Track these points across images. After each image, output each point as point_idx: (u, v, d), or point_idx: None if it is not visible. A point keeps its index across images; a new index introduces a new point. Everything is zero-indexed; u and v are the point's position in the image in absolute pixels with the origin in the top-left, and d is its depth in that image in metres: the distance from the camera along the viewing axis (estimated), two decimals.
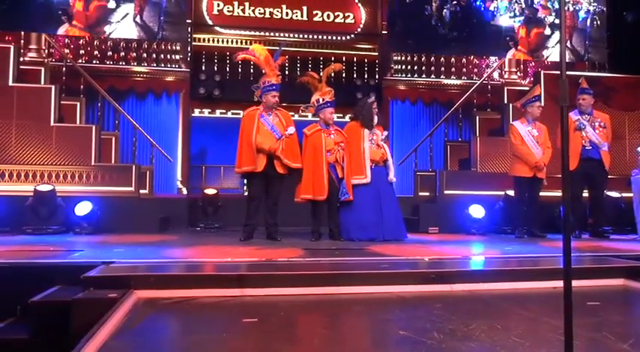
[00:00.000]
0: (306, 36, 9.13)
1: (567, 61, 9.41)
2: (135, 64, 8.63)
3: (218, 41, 8.99)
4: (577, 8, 9.77)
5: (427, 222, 6.73)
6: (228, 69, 8.51)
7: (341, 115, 8.17)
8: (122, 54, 8.58)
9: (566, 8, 9.60)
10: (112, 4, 8.23)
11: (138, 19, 8.04)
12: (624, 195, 6.74)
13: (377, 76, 9.07)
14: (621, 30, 9.50)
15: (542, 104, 6.55)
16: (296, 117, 8.60)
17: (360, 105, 5.78)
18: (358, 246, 4.81)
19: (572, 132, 5.88)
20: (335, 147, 5.45)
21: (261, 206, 5.32)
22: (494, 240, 5.78)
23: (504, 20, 9.00)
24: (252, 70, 8.39)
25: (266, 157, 5.15)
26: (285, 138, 5.20)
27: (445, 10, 9.01)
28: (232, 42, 8.96)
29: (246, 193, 5.32)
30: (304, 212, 5.65)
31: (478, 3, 9.02)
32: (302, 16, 9.14)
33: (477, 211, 6.59)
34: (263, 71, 5.35)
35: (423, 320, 2.34)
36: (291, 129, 5.27)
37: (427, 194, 7.48)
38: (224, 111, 8.68)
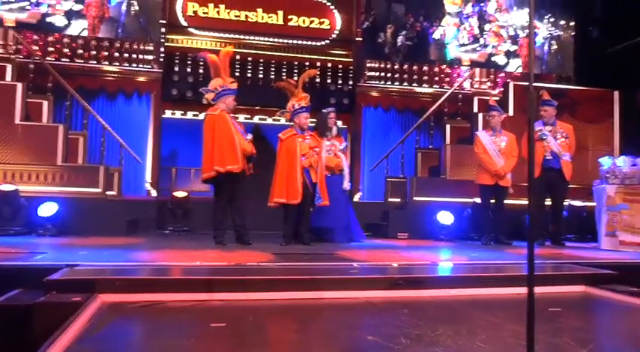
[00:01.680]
0: (281, 40, 9.13)
1: (535, 73, 9.70)
2: (106, 63, 8.47)
3: (192, 43, 8.92)
4: (534, 33, 10.11)
5: (397, 227, 6.79)
6: (201, 71, 8.43)
7: (314, 120, 8.20)
8: (93, 52, 8.42)
9: (524, 35, 9.93)
10: (61, 21, 8.23)
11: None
12: (587, 204, 6.95)
13: (351, 82, 9.13)
14: (585, 46, 9.83)
15: (506, 114, 6.69)
16: (269, 120, 8.63)
17: (319, 116, 5.95)
18: (328, 251, 4.83)
19: (534, 143, 6.03)
20: (310, 152, 5.49)
21: (228, 208, 5.26)
22: (461, 246, 5.87)
23: (453, 50, 9.31)
24: None
25: (242, 158, 5.12)
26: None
27: (400, 38, 9.22)
28: (206, 44, 8.90)
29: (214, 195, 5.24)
30: (275, 216, 5.65)
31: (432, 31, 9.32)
32: (277, 20, 9.13)
33: (445, 218, 6.69)
34: (215, 75, 5.26)
35: (391, 326, 2.36)
36: (249, 135, 5.28)
37: (397, 200, 7.55)
38: (197, 113, 8.60)
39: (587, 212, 6.93)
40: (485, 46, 9.84)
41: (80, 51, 8.41)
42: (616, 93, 8.54)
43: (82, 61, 8.40)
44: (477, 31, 9.90)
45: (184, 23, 8.95)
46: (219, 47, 8.38)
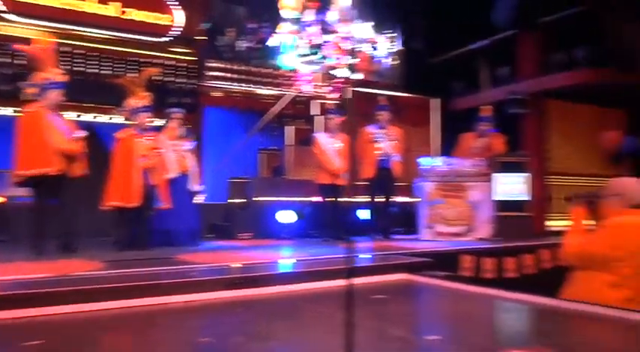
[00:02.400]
0: (117, 34, 8.56)
1: (371, 80, 10.44)
2: None
3: (13, 31, 7.94)
4: (375, 48, 10.95)
5: (239, 228, 6.81)
6: (23, 62, 7.54)
7: (154, 119, 7.84)
8: None
9: (362, 50, 10.71)
10: None
11: None
12: (410, 199, 7.71)
13: (193, 82, 8.91)
14: (410, 57, 10.87)
15: (342, 117, 7.11)
16: (104, 118, 8.04)
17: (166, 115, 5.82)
18: (167, 254, 4.69)
19: (369, 144, 6.55)
20: (150, 153, 5.27)
21: (50, 213, 4.81)
22: (301, 243, 6.10)
23: (292, 60, 9.66)
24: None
25: (60, 158, 4.70)
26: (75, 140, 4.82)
27: (241, 43, 9.36)
28: (30, 33, 8.00)
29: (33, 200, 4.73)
30: (108, 220, 5.32)
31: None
32: (113, 12, 8.56)
33: (287, 217, 6.89)
34: (39, 68, 4.81)
35: (227, 325, 2.40)
36: (80, 133, 4.90)
37: (240, 200, 7.58)
38: (18, 109, 7.67)
39: (411, 207, 7.70)
40: (324, 57, 10.26)
41: None
42: (435, 101, 9.60)
43: None
44: (318, 42, 10.26)
45: (3, 8, 7.95)
46: (45, 37, 7.60)
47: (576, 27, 8.30)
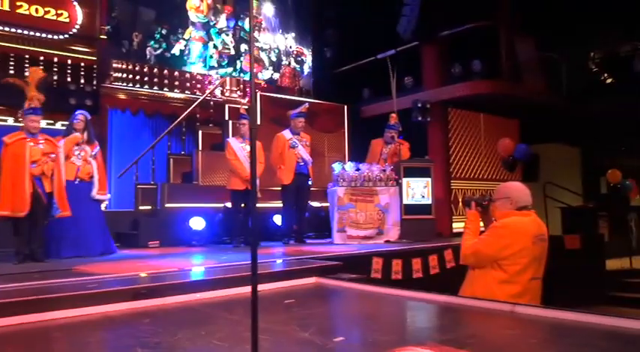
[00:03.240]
0: (7, 29, 7.94)
1: (283, 86, 10.50)
2: None
3: None
4: (302, 60, 11.09)
5: (147, 236, 6.56)
6: None
7: (52, 122, 7.37)
8: None
9: (285, 63, 10.80)
10: None
11: None
12: (323, 204, 7.83)
13: (94, 83, 8.46)
14: (322, 64, 11.09)
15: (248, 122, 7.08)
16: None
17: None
18: (66, 266, 4.40)
19: (287, 150, 6.57)
20: (42, 158, 4.90)
21: None
22: (213, 250, 5.99)
23: (197, 68, 9.55)
24: None
25: None
26: None
27: (148, 49, 9.10)
28: None
29: None
30: (6, 231, 4.91)
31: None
32: (3, 6, 7.93)
33: (197, 223, 6.74)
34: None
35: (128, 338, 2.29)
36: None
37: (149, 207, 7.31)
38: None
39: (324, 211, 7.81)
40: (242, 71, 10.16)
41: None
42: (345, 107, 9.83)
43: None
44: (232, 52, 10.12)
45: None
46: None
47: (474, 40, 8.88)
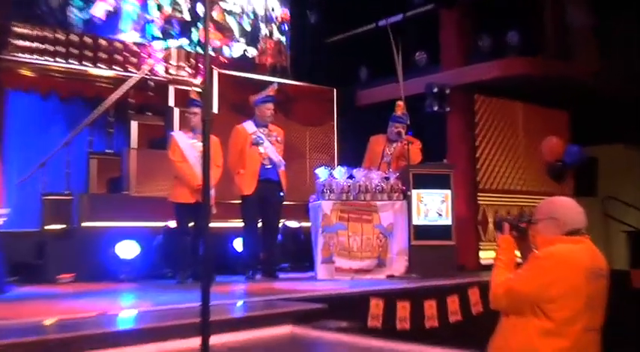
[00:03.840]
0: None
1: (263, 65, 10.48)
2: None
3: None
4: (284, 29, 11.05)
5: (57, 267, 6.51)
6: None
7: None
8: None
9: (266, 34, 10.73)
10: None
11: None
12: (303, 224, 7.78)
13: None
14: (304, 33, 11.06)
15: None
16: None
17: None
18: None
19: (248, 148, 6.53)
20: None
21: None
22: (148, 287, 5.97)
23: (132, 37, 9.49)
24: None
25: None
26: None
27: (71, 11, 9.02)
28: None
29: None
30: None
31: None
32: None
33: (128, 249, 6.68)
34: None
35: None
36: None
37: (60, 227, 7.20)
38: None
39: (304, 234, 7.77)
40: (199, 44, 10.06)
41: None
42: (334, 92, 9.83)
43: None
44: (186, 16, 10.02)
45: None
46: None
47: (510, 5, 8.94)
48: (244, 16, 10.61)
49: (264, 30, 10.81)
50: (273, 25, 10.94)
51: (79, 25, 9.08)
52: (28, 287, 6.03)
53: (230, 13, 10.48)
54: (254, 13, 10.73)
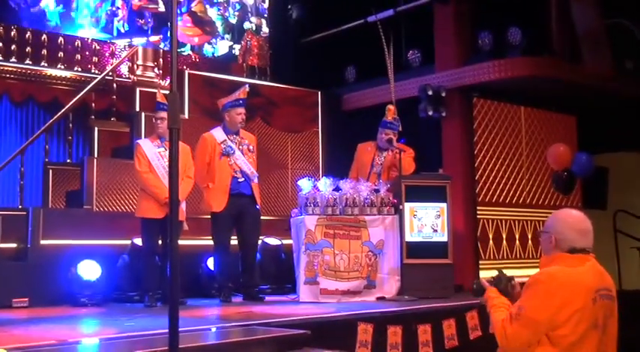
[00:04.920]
0: None
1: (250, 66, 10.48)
2: None
3: None
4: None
5: (10, 290, 6.45)
6: None
7: None
8: None
9: (251, 28, 10.66)
10: None
11: None
12: (284, 241, 7.80)
13: None
14: (285, 29, 11.10)
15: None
16: None
17: None
18: None
19: (218, 159, 6.55)
20: None
21: None
22: (113, 311, 5.96)
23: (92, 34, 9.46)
24: None
25: None
26: None
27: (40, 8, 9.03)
28: None
29: None
30: None
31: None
32: None
33: (90, 270, 6.66)
34: None
35: None
36: None
37: (12, 246, 7.18)
38: None
39: (285, 253, 7.79)
40: (164, 40, 10.00)
41: None
42: (319, 95, 9.86)
43: None
44: (160, 7, 9.96)
45: None
46: None
47: (510, 0, 9.03)
48: (228, 9, 10.52)
49: (248, 25, 10.72)
50: (261, 19, 10.87)
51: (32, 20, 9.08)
52: None
53: (212, 3, 10.39)
54: (240, 3, 10.64)
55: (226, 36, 10.44)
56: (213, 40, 10.36)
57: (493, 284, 3.43)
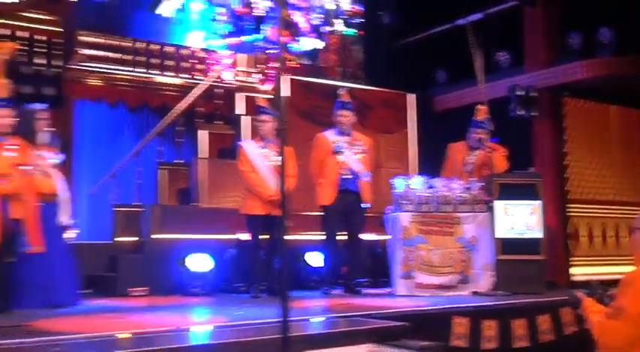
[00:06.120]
0: None
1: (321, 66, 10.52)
2: None
3: None
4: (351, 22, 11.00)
5: (129, 280, 6.66)
6: None
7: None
8: None
9: (329, 29, 10.65)
10: None
11: None
12: (380, 237, 7.76)
13: (59, 63, 8.61)
14: (377, 34, 11.05)
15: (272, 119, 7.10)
16: None
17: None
18: (19, 321, 4.52)
19: (328, 157, 6.59)
20: (11, 171, 5.10)
21: None
22: (222, 301, 6.06)
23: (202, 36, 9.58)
24: None
25: None
26: None
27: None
28: None
29: None
30: None
31: None
32: None
33: (200, 263, 6.78)
34: None
35: None
36: None
37: (131, 239, 7.42)
38: None
39: (381, 247, 7.75)
40: (267, 42, 10.09)
41: None
42: (411, 97, 9.80)
43: None
44: (261, 8, 10.04)
45: None
46: None
47: (599, 0, 8.73)
48: (311, 12, 10.55)
49: (329, 27, 10.74)
50: (340, 20, 10.88)
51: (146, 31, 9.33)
52: (100, 300, 6.22)
53: (296, 7, 10.45)
54: (322, 8, 10.65)
55: (311, 34, 10.45)
56: (296, 39, 10.43)
57: (588, 294, 3.41)
